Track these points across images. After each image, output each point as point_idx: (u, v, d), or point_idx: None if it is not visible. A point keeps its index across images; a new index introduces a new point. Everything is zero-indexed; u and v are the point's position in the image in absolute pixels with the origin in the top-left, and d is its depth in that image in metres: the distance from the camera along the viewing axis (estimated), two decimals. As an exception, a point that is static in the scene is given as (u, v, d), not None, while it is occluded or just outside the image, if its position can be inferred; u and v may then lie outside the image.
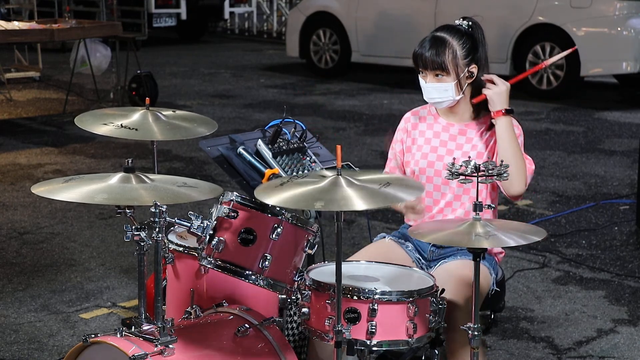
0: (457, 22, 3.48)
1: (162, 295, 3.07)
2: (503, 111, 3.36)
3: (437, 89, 3.40)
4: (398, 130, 3.63)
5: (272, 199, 2.77)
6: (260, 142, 3.69)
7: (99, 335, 2.92)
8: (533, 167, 3.45)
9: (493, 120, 3.40)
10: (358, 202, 2.71)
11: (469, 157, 3.16)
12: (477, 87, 3.45)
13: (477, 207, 2.88)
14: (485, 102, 3.43)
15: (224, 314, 3.22)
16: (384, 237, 3.63)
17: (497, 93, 3.37)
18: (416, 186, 3.02)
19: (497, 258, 3.54)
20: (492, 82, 3.40)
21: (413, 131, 3.57)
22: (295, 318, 3.57)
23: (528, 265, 5.46)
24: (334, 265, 2.83)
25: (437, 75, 3.39)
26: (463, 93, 3.44)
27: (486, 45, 3.48)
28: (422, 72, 3.43)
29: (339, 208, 2.73)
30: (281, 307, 3.49)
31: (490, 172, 2.90)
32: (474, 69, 3.42)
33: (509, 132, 3.35)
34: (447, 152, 3.48)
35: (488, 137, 3.47)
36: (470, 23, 3.46)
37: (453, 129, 3.51)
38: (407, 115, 3.64)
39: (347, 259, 3.36)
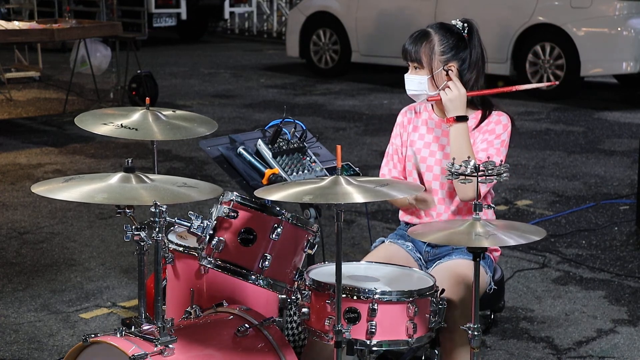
0: (452, 21, 3.49)
1: (162, 295, 3.07)
2: (454, 118, 3.36)
3: (413, 81, 3.46)
4: (396, 125, 3.65)
5: (268, 196, 2.83)
6: (260, 142, 3.69)
7: (99, 335, 2.92)
8: None
9: (444, 126, 3.42)
10: (352, 196, 2.74)
11: (468, 156, 3.16)
12: (465, 84, 3.45)
13: (477, 207, 2.88)
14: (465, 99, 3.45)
15: (224, 314, 3.22)
16: (383, 241, 3.63)
17: (450, 99, 3.37)
18: (414, 187, 3.06)
19: (492, 257, 3.54)
20: (448, 87, 3.39)
21: (408, 125, 3.60)
22: (295, 318, 3.57)
23: (528, 265, 5.46)
24: (334, 265, 2.83)
25: (415, 67, 3.46)
26: (441, 89, 3.44)
27: (479, 49, 3.46)
28: (407, 64, 3.50)
29: (325, 201, 2.75)
30: (281, 307, 3.49)
31: (489, 171, 2.90)
32: (452, 67, 3.42)
33: (458, 140, 3.35)
34: (439, 148, 3.50)
35: (479, 132, 3.47)
36: (464, 24, 3.46)
37: (445, 124, 3.52)
38: (404, 109, 3.67)
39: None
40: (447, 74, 3.41)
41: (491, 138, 3.42)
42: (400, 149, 3.60)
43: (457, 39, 3.42)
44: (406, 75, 3.48)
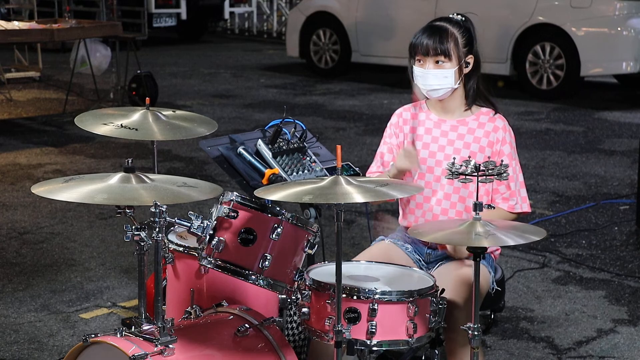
0: (450, 15, 3.49)
1: (162, 295, 3.07)
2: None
3: (437, 76, 3.38)
4: (390, 125, 3.61)
5: (268, 196, 2.84)
6: (260, 142, 3.69)
7: (99, 335, 2.92)
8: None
9: (444, 126, 3.49)
10: (352, 196, 2.74)
11: (469, 155, 3.17)
12: (469, 79, 3.45)
13: (477, 207, 2.88)
14: (476, 95, 3.49)
15: (224, 314, 3.22)
16: (383, 239, 3.62)
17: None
18: (414, 187, 3.07)
19: (493, 255, 3.54)
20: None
21: (404, 127, 3.57)
22: (295, 318, 3.57)
23: (528, 265, 5.46)
24: (334, 265, 2.83)
25: (437, 62, 3.38)
26: (460, 82, 3.44)
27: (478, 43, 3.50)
28: (420, 61, 3.41)
29: (325, 201, 2.75)
30: (281, 307, 3.49)
31: (490, 171, 2.90)
32: (470, 59, 3.43)
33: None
34: (439, 149, 3.48)
35: (482, 136, 3.46)
36: (463, 18, 3.47)
37: (445, 125, 3.50)
38: (399, 110, 3.62)
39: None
40: (466, 66, 3.42)
41: (508, 151, 3.47)
42: (395, 149, 3.58)
43: (469, 33, 3.44)
44: (428, 70, 3.39)
